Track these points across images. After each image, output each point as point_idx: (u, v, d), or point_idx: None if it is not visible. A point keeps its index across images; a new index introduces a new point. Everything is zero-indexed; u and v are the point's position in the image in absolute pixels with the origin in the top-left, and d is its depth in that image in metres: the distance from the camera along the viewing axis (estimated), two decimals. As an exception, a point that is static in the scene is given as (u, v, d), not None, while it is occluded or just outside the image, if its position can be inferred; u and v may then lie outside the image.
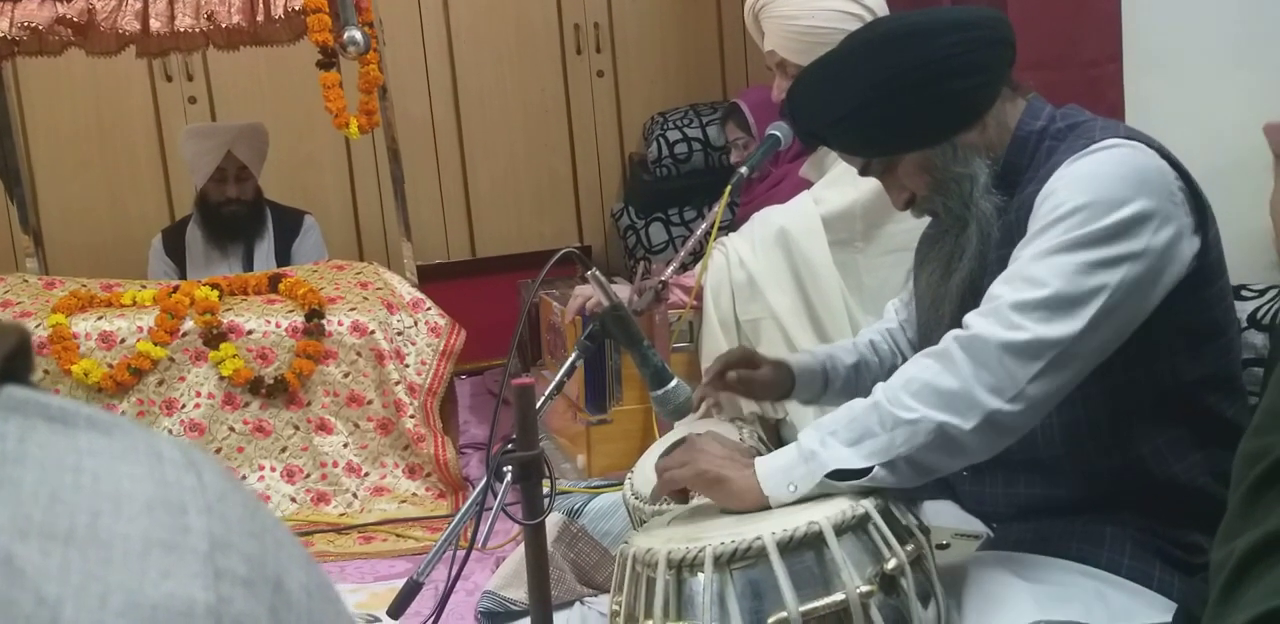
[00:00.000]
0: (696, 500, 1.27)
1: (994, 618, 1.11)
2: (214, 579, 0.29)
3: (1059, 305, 1.10)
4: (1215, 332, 1.23)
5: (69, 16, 2.42)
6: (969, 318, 1.15)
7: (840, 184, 2.00)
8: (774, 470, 1.14)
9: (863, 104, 1.23)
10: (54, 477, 0.28)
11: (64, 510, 0.28)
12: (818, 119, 1.30)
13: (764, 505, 1.14)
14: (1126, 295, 1.12)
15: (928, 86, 1.21)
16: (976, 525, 1.35)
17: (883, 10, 2.00)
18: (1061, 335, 1.09)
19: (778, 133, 2.12)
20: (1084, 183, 1.14)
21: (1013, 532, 1.28)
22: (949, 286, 1.28)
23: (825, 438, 1.14)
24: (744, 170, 2.06)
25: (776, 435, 1.92)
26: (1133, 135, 1.20)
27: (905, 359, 1.48)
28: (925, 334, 1.37)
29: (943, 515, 1.37)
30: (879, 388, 1.16)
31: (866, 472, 1.11)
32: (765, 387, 1.42)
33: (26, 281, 2.64)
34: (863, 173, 1.33)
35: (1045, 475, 1.26)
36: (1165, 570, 1.19)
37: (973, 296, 1.26)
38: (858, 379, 1.46)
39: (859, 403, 1.16)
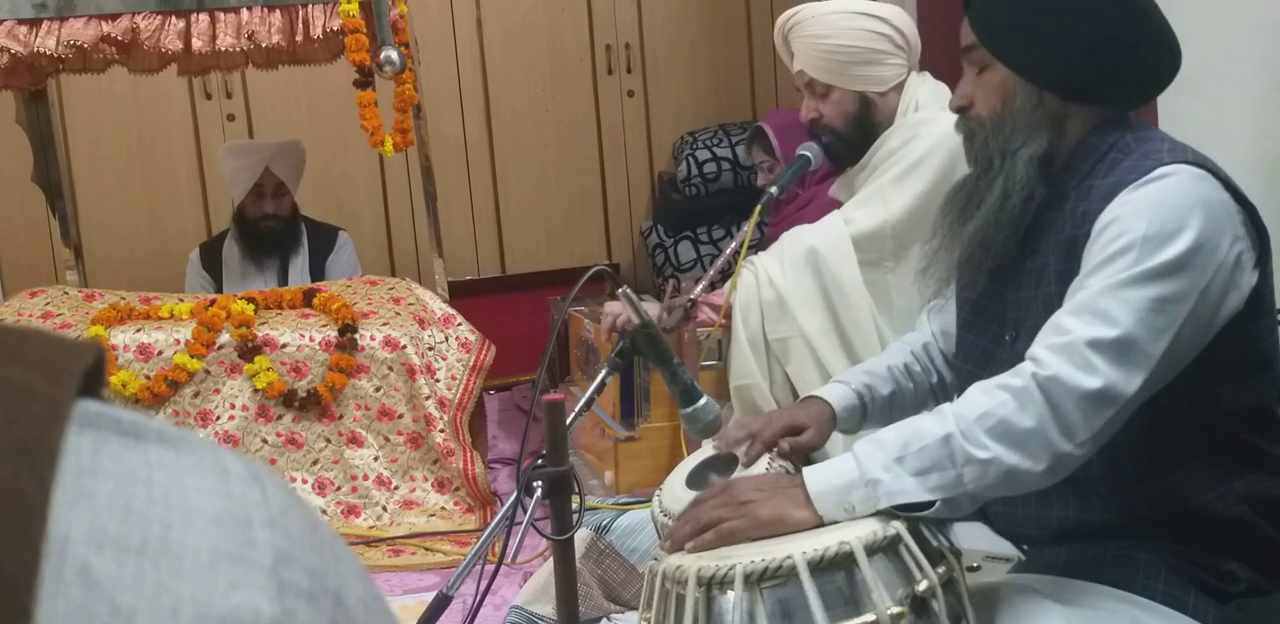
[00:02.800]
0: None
1: None
2: (279, 592, 0.29)
3: (1130, 347, 1.09)
4: (1262, 365, 1.22)
5: (113, 35, 2.48)
6: (1041, 352, 1.12)
7: (870, 204, 2.00)
8: (830, 490, 1.12)
9: (1040, 8, 1.21)
10: (127, 489, 0.29)
11: (137, 523, 0.28)
12: None
13: (819, 525, 1.12)
14: (1190, 330, 1.12)
15: (1100, 48, 1.19)
16: (1007, 548, 1.33)
17: (910, 29, 2.01)
18: (1134, 385, 1.09)
19: (807, 153, 2.13)
20: (1150, 211, 1.13)
21: (1045, 555, 1.27)
22: (963, 234, 1.27)
23: (890, 464, 1.11)
24: (773, 190, 2.07)
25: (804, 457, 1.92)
26: (1201, 162, 1.18)
27: (940, 376, 1.47)
28: (929, 269, 1.36)
29: (973, 537, 1.35)
30: (949, 416, 1.13)
31: (928, 504, 1.10)
32: (814, 447, 1.38)
33: (67, 294, 2.68)
34: (964, 52, 1.28)
35: (1080, 498, 1.24)
36: (1200, 598, 1.17)
37: (983, 251, 1.26)
38: (892, 408, 1.44)
39: (928, 429, 1.12)
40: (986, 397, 1.13)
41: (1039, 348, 1.13)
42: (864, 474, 1.11)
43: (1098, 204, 1.18)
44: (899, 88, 2.01)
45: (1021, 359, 1.16)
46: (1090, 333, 1.10)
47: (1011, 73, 1.23)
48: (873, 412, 1.43)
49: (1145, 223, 1.12)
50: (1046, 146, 1.23)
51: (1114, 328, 1.10)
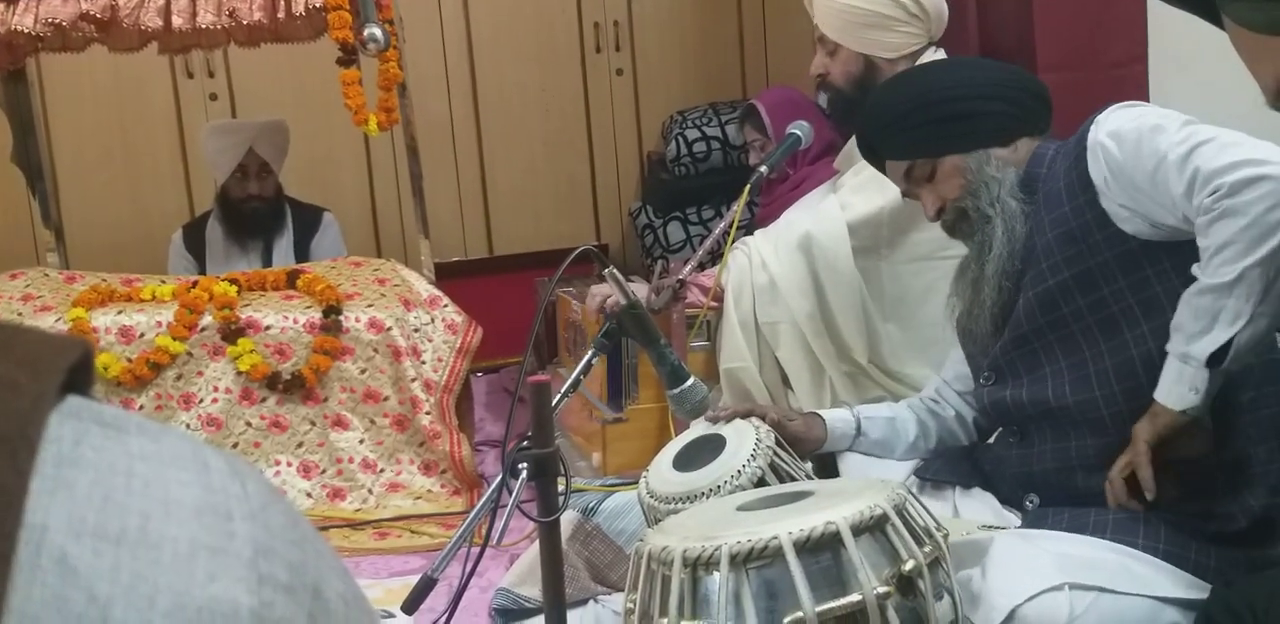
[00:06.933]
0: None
1: (1019, 582, 1.12)
2: (257, 584, 0.30)
3: (1252, 154, 1.24)
4: None
5: (92, 13, 2.44)
6: (1215, 175, 1.22)
7: (868, 190, 1.99)
8: (1170, 389, 1.25)
9: (918, 107, 1.45)
10: (107, 479, 0.29)
11: (116, 512, 0.29)
12: (875, 124, 1.51)
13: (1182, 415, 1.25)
14: None
15: (975, 103, 1.45)
16: (1010, 519, 1.35)
17: (932, 3, 1.98)
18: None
19: (798, 132, 2.12)
20: (1118, 119, 1.33)
21: (1048, 516, 1.33)
22: (984, 274, 1.42)
23: (1188, 338, 1.24)
24: (763, 169, 2.06)
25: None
26: None
27: (957, 412, 1.60)
28: (968, 334, 1.49)
29: (977, 508, 1.39)
30: (1192, 286, 1.24)
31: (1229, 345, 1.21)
32: (798, 439, 1.51)
33: (47, 276, 2.65)
34: (906, 177, 1.48)
35: (1095, 431, 1.35)
36: (1201, 552, 1.23)
37: (1010, 281, 1.41)
38: (894, 433, 1.56)
39: (1193, 299, 1.24)
40: (1206, 236, 1.22)
41: (1199, 198, 1.22)
42: (1178, 356, 1.25)
43: (1064, 180, 1.36)
44: (911, 58, 2.00)
45: None
46: (1223, 151, 1.23)
47: (954, 156, 1.45)
48: (868, 431, 1.56)
49: (1128, 122, 1.30)
50: (1016, 175, 1.43)
51: (1228, 143, 1.24)
